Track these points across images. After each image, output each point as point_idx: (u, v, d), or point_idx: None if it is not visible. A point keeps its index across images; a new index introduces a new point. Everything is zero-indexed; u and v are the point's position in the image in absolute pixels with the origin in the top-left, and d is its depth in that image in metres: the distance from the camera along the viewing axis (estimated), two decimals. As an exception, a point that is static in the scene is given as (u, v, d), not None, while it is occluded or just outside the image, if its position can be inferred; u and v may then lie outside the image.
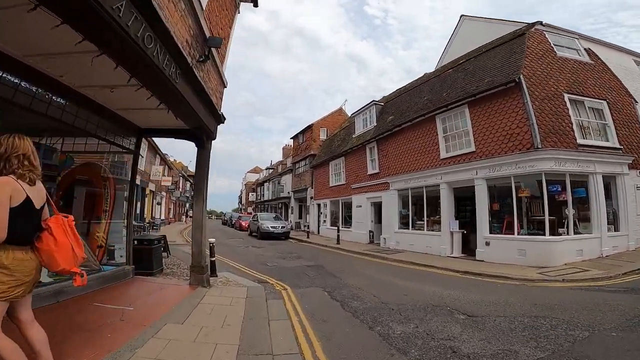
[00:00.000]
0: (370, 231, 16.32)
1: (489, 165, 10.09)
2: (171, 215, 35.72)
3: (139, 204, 19.27)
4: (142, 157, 19.76)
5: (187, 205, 50.95)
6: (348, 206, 19.03)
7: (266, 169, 48.78)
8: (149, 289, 6.00)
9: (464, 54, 14.18)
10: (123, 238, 6.66)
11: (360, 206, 17.03)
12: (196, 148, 6.80)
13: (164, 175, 28.68)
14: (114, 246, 6.48)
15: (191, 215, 41.03)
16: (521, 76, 9.56)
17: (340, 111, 29.28)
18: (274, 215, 23.38)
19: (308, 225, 21.09)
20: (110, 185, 6.49)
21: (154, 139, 21.55)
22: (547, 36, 11.24)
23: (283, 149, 42.86)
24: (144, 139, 15.95)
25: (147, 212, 23.08)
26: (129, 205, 6.91)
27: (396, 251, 12.76)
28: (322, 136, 26.82)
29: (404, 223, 13.80)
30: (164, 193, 29.76)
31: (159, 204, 26.41)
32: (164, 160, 27.13)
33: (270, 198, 38.08)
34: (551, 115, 9.59)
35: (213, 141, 7.23)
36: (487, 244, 9.90)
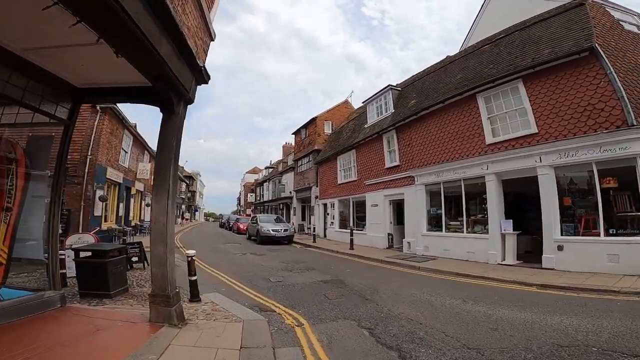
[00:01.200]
0: (389, 234, 13.97)
1: (558, 150, 7.78)
2: (164, 218, 33.29)
3: (121, 205, 16.90)
4: (126, 152, 17.42)
5: (183, 207, 48.61)
6: (360, 205, 16.68)
7: (265, 169, 46.40)
8: (77, 331, 3.64)
9: (497, 32, 12.00)
10: (42, 250, 4.28)
11: (377, 205, 14.67)
12: (162, 115, 4.46)
13: (153, 174, 26.39)
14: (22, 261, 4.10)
15: (187, 217, 38.30)
16: (596, 45, 7.41)
17: (346, 104, 26.98)
18: (275, 217, 21.02)
19: (314, 228, 18.76)
20: (19, 171, 4.10)
21: (140, 132, 19.25)
22: (607, 9, 9.36)
23: (283, 147, 40.66)
24: (107, 117, 13.64)
25: (133, 214, 20.69)
26: (52, 202, 4.47)
27: (426, 258, 10.41)
28: (327, 130, 24.50)
29: (434, 224, 11.46)
30: (155, 194, 27.40)
31: (148, 205, 24.02)
32: (153, 156, 24.73)
33: (270, 198, 35.72)
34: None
35: (190, 106, 4.89)
36: (560, 248, 7.56)
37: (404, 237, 12.71)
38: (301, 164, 26.45)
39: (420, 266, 9.36)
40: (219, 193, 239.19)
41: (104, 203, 13.52)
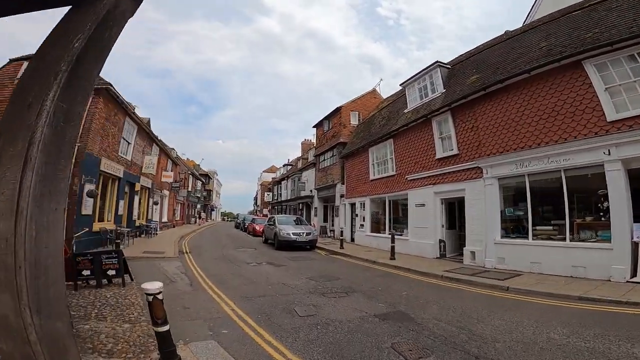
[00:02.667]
0: (440, 240, 11.12)
1: None
2: (177, 217, 31.44)
3: (121, 203, 14.79)
4: (129, 143, 15.35)
5: (199, 206, 46.98)
6: (400, 205, 13.91)
7: (283, 166, 44.05)
8: None
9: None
10: None
11: (424, 204, 11.84)
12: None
13: (165, 170, 24.46)
14: None
15: (203, 217, 36.28)
16: None
17: (374, 93, 24.19)
18: (295, 218, 18.48)
19: (341, 232, 16.12)
20: None
21: (143, 121, 17.19)
22: None
23: (302, 144, 38.30)
24: (102, 100, 11.39)
25: (139, 213, 18.66)
26: None
27: (506, 273, 7.56)
28: (354, 121, 21.76)
29: (512, 229, 8.59)
30: (166, 192, 25.44)
31: (157, 203, 22.03)
32: (164, 151, 22.77)
33: (288, 198, 33.32)
34: None
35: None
36: None
37: (464, 246, 9.87)
38: (323, 160, 23.84)
39: (509, 286, 6.57)
40: (237, 193, 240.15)
41: (94, 199, 11.34)
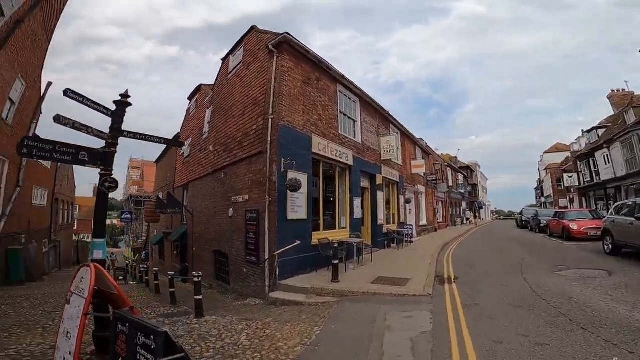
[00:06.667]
0: None
1: None
2: (439, 219, 26.04)
3: (356, 201, 10.89)
4: (354, 120, 11.57)
5: (464, 204, 39.68)
6: None
7: (584, 134, 28.62)
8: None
9: None
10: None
11: None
12: None
13: (414, 159, 19.74)
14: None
15: (469, 216, 28.34)
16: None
17: None
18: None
19: None
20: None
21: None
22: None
23: (610, 97, 23.43)
24: (287, 57, 6.59)
25: (389, 215, 14.65)
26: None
27: None
28: None
29: None
30: (420, 187, 20.67)
31: (409, 201, 17.39)
32: (406, 135, 18.08)
33: (616, 176, 19.73)
34: None
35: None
36: None
37: None
38: None
39: None
40: (504, 188, 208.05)
41: (309, 196, 7.68)
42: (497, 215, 74.95)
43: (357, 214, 10.88)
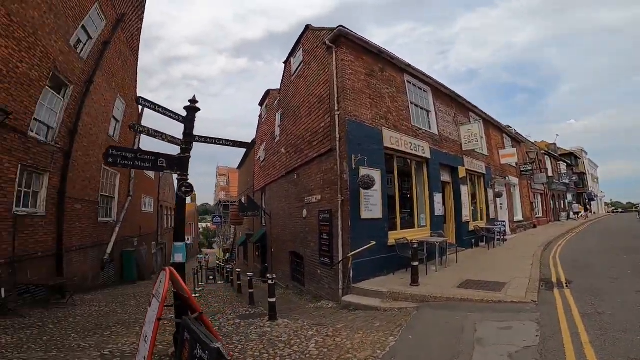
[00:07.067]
0: None
1: None
2: (538, 214, 22.58)
3: (437, 196, 9.92)
4: (428, 111, 10.59)
5: (569, 196, 33.87)
6: None
7: None
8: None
9: None
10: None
11: None
12: None
13: (502, 148, 17.39)
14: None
15: (577, 210, 24.22)
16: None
17: None
18: None
19: None
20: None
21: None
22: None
23: None
24: (346, 51, 6.39)
25: (476, 211, 13.14)
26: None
27: None
28: None
29: None
30: (513, 179, 18.17)
31: (500, 195, 15.25)
32: (490, 122, 16.00)
33: None
34: None
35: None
36: None
37: None
38: None
39: None
40: (618, 177, 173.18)
41: (384, 195, 7.19)
42: (613, 208, 62.77)
43: (438, 210, 9.92)
